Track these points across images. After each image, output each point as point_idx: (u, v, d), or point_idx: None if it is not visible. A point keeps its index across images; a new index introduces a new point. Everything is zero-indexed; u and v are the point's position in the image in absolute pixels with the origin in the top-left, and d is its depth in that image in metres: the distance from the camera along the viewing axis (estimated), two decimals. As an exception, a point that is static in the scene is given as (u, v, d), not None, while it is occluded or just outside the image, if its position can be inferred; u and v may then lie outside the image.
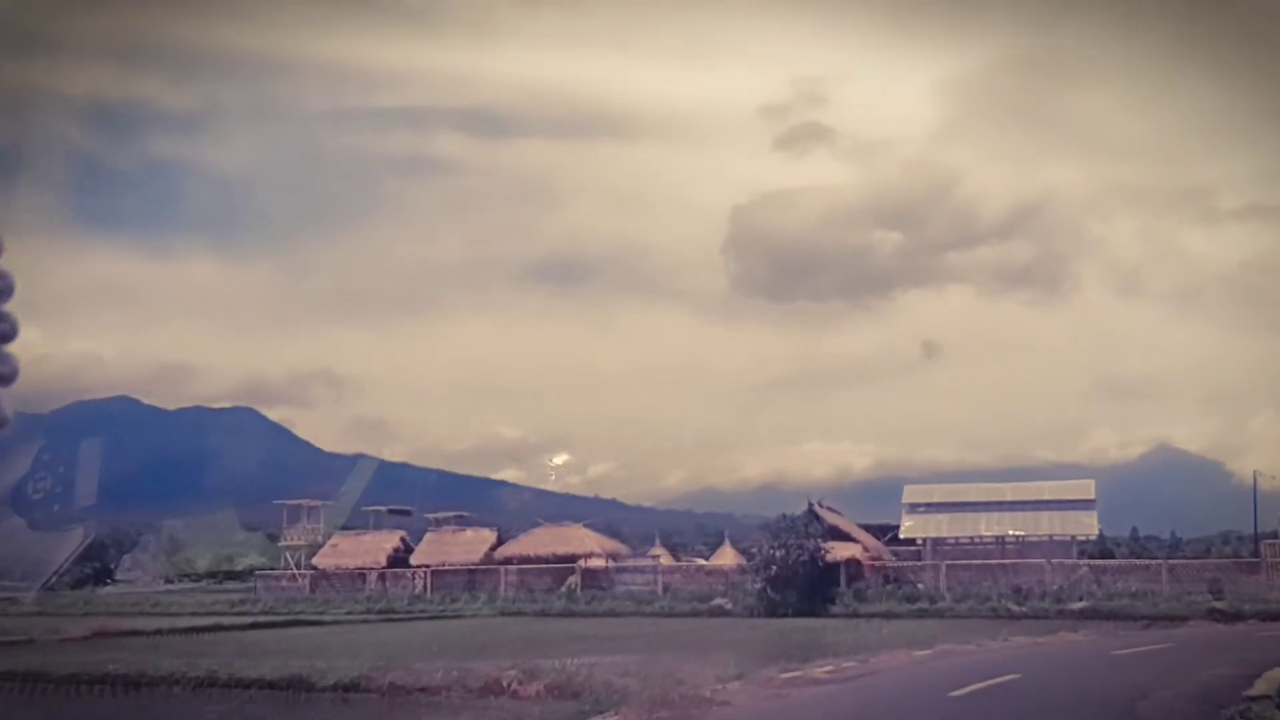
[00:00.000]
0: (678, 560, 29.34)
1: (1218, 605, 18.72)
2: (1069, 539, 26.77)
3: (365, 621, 22.70)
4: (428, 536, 30.00)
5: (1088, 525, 27.32)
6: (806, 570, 21.94)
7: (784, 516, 23.64)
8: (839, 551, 23.97)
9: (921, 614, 20.29)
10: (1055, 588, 22.46)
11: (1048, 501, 27.87)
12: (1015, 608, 20.45)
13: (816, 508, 25.64)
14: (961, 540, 27.62)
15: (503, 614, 24.00)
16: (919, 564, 26.20)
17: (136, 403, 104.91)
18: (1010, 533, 27.30)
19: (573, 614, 23.21)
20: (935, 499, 28.33)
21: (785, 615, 20.68)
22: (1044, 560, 24.55)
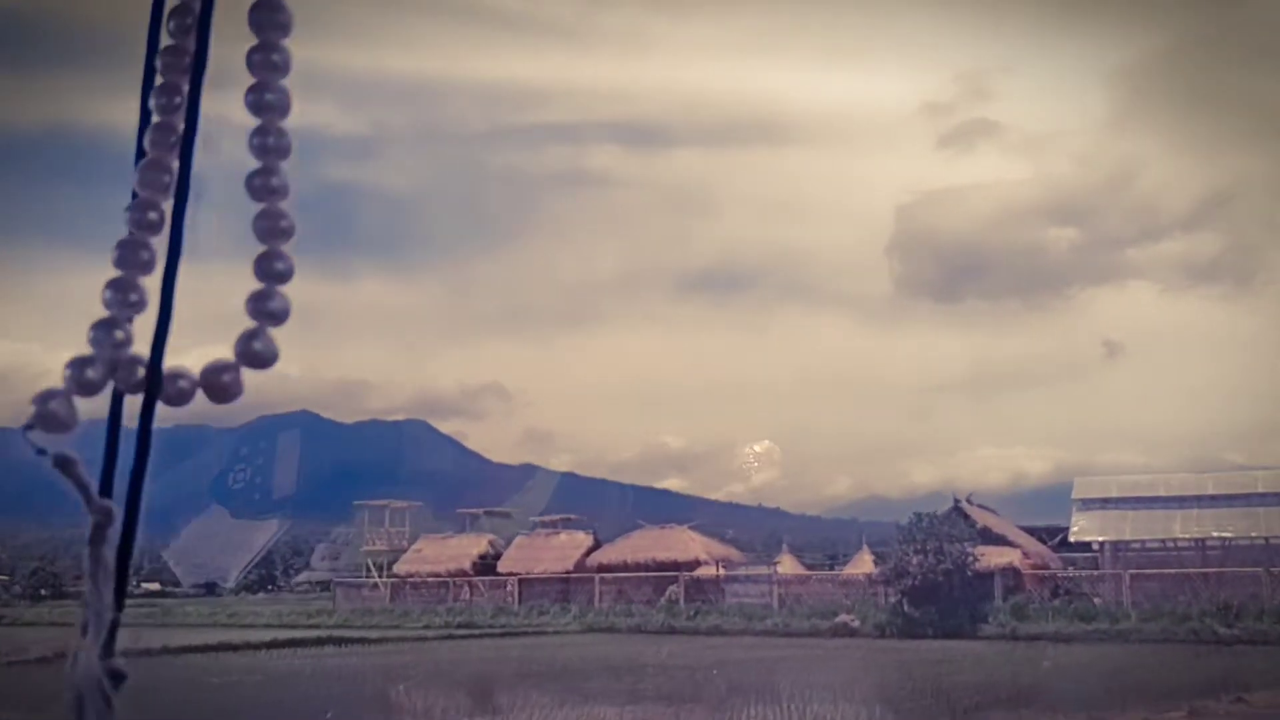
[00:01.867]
0: (807, 569, 25.86)
1: None
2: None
3: (440, 638, 20.54)
4: (517, 540, 27.49)
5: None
6: (951, 580, 18.26)
7: (919, 516, 19.93)
8: (992, 558, 19.63)
9: (1101, 637, 16.42)
10: (1277, 603, 17.29)
11: (1264, 495, 21.03)
12: (1223, 629, 16.00)
13: (964, 505, 21.96)
14: (1150, 544, 21.84)
15: (591, 629, 21.45)
16: (1096, 573, 20.92)
17: (316, 417, 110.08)
18: (1214, 534, 21.09)
19: (673, 630, 20.44)
20: (1114, 493, 22.25)
21: (924, 636, 17.25)
22: (1261, 569, 18.72)
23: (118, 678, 0.42)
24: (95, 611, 0.42)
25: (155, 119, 0.48)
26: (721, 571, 23.93)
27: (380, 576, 28.18)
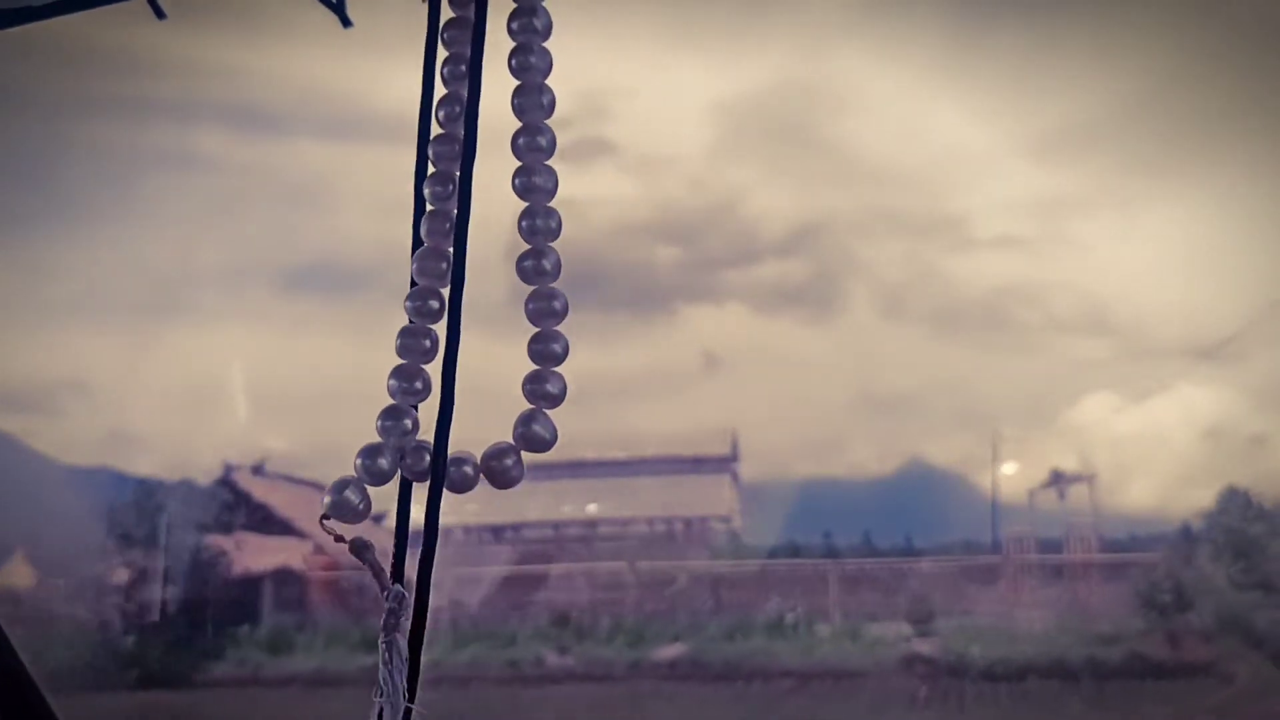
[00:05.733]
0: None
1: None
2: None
3: None
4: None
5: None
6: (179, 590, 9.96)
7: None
8: (263, 556, 10.60)
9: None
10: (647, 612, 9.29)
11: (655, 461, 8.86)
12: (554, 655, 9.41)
13: (239, 474, 11.55)
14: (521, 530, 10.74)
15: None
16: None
17: None
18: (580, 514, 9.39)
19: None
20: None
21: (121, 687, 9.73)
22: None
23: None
24: (390, 702, 0.44)
25: (430, 207, 0.51)
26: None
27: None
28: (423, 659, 0.45)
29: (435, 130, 0.52)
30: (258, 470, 9.36)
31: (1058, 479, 7.21)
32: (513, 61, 0.50)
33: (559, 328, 0.49)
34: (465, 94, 0.51)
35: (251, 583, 8.46)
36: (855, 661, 6.75)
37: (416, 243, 0.50)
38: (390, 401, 0.47)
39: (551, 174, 0.50)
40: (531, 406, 0.48)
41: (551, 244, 0.49)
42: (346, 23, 0.66)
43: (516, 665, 6.91)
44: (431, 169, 0.51)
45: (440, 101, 0.52)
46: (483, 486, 0.48)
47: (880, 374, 7.75)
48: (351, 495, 0.45)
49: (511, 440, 0.48)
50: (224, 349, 7.50)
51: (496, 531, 9.68)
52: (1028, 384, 7.18)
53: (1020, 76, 6.55)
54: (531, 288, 0.49)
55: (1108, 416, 6.99)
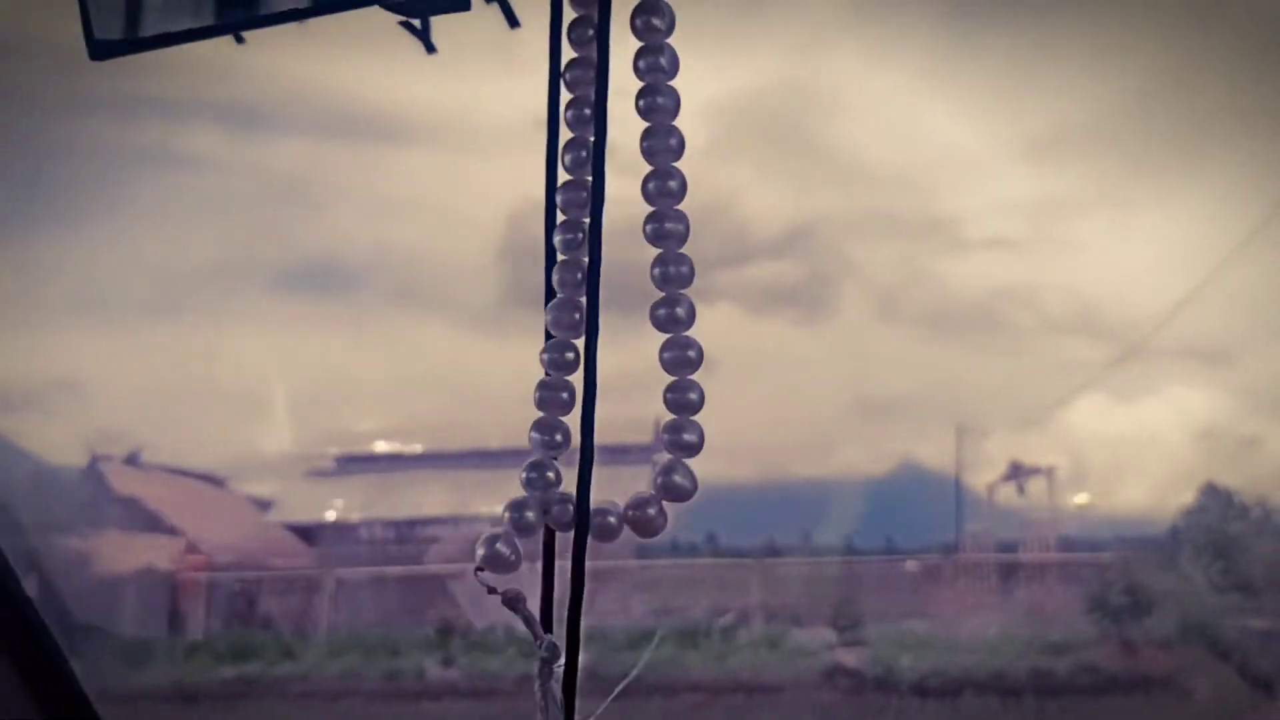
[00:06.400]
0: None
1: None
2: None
3: None
4: None
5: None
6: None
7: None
8: (131, 554, 7.97)
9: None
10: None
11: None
12: (435, 670, 8.25)
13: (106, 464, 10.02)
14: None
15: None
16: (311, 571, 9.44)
17: None
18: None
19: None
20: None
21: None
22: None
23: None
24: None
25: (561, 257, 0.51)
26: None
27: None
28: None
29: (563, 177, 0.52)
30: (131, 460, 8.19)
31: (1016, 472, 6.94)
32: (640, 102, 0.50)
33: (693, 377, 0.50)
34: (589, 126, 0.51)
35: (111, 584, 7.28)
36: (771, 673, 5.94)
37: (549, 293, 0.51)
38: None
39: (683, 218, 0.50)
40: (670, 456, 0.49)
41: (683, 291, 0.50)
42: (431, 49, 0.66)
43: (396, 677, 6.20)
44: (561, 216, 0.52)
45: (566, 146, 0.52)
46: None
47: (873, 375, 7.72)
48: (503, 548, 0.46)
49: (652, 490, 0.49)
50: (215, 347, 7.42)
51: (396, 528, 8.72)
52: (1019, 385, 7.19)
53: (1014, 77, 6.57)
54: (666, 335, 0.50)
55: (1099, 417, 6.98)
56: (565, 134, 0.53)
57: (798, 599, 6.71)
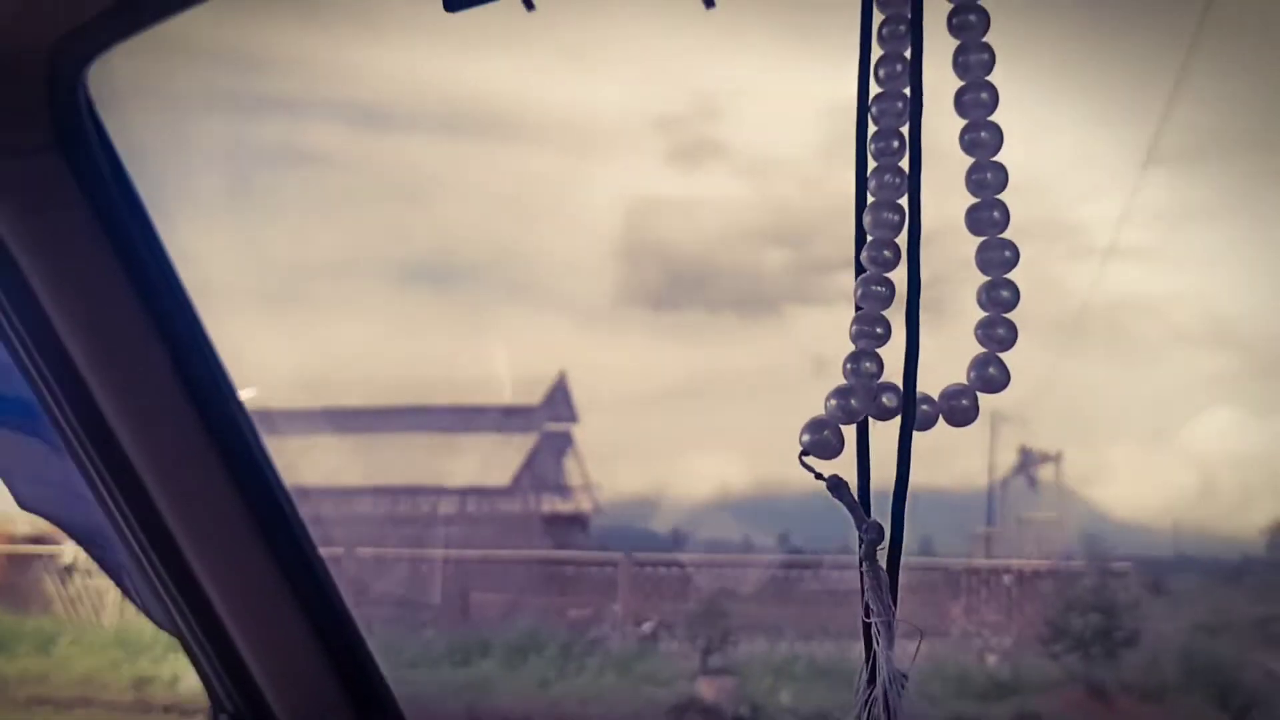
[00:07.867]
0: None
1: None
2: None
3: None
4: None
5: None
6: None
7: None
8: None
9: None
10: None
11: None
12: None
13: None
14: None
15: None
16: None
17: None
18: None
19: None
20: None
21: None
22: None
23: (904, 679, 0.47)
24: (883, 621, 0.47)
25: (871, 173, 0.54)
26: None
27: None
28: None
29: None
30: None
31: (1027, 460, 6.56)
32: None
33: (1008, 276, 0.52)
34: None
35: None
36: (600, 707, 4.50)
37: (861, 203, 0.53)
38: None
39: (997, 130, 0.53)
40: (985, 350, 0.51)
41: (999, 196, 0.52)
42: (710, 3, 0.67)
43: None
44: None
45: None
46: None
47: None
48: (830, 435, 0.48)
49: (966, 382, 0.51)
50: (337, 339, 7.58)
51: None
52: (1145, 397, 6.99)
53: (1145, 81, 6.42)
54: (981, 238, 0.52)
55: (1230, 434, 6.73)
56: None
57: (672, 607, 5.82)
